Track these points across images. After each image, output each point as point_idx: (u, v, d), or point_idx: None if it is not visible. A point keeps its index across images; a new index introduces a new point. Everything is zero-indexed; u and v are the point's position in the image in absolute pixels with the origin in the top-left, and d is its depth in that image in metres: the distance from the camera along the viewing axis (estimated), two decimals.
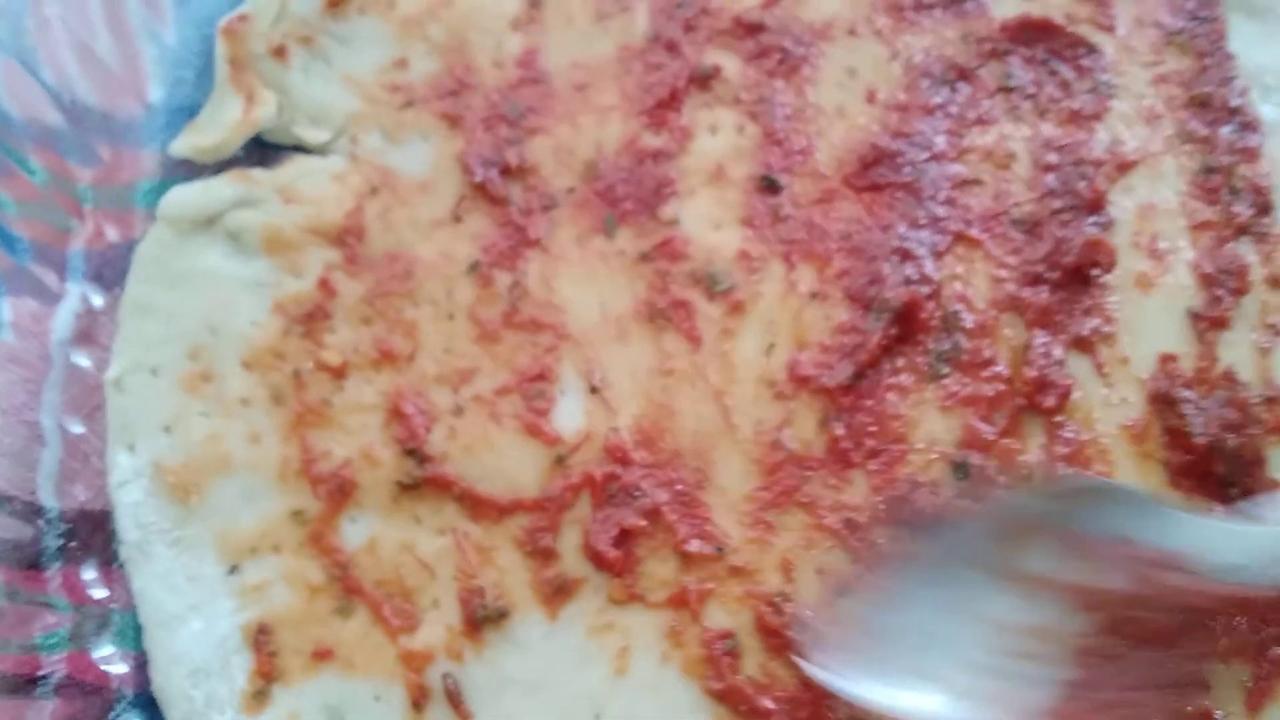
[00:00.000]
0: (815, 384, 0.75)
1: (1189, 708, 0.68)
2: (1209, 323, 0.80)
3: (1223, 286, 0.81)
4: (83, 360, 0.74)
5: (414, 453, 0.72)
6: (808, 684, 0.68)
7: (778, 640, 0.70)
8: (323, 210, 0.79)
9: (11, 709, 0.62)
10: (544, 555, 0.71)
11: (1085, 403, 0.76)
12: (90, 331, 0.75)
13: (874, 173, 0.83)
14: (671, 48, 0.88)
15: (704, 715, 0.68)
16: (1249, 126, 0.88)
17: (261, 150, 0.82)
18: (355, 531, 0.71)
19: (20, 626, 0.64)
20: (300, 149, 0.83)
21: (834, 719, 0.67)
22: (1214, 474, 0.73)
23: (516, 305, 0.77)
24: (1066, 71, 0.90)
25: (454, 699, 0.66)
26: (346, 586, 0.69)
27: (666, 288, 0.79)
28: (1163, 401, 0.76)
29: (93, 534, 0.70)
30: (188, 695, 0.65)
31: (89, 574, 0.69)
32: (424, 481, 0.72)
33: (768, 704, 0.68)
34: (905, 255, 0.80)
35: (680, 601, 0.70)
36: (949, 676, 0.64)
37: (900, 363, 0.77)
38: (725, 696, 0.69)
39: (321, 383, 0.75)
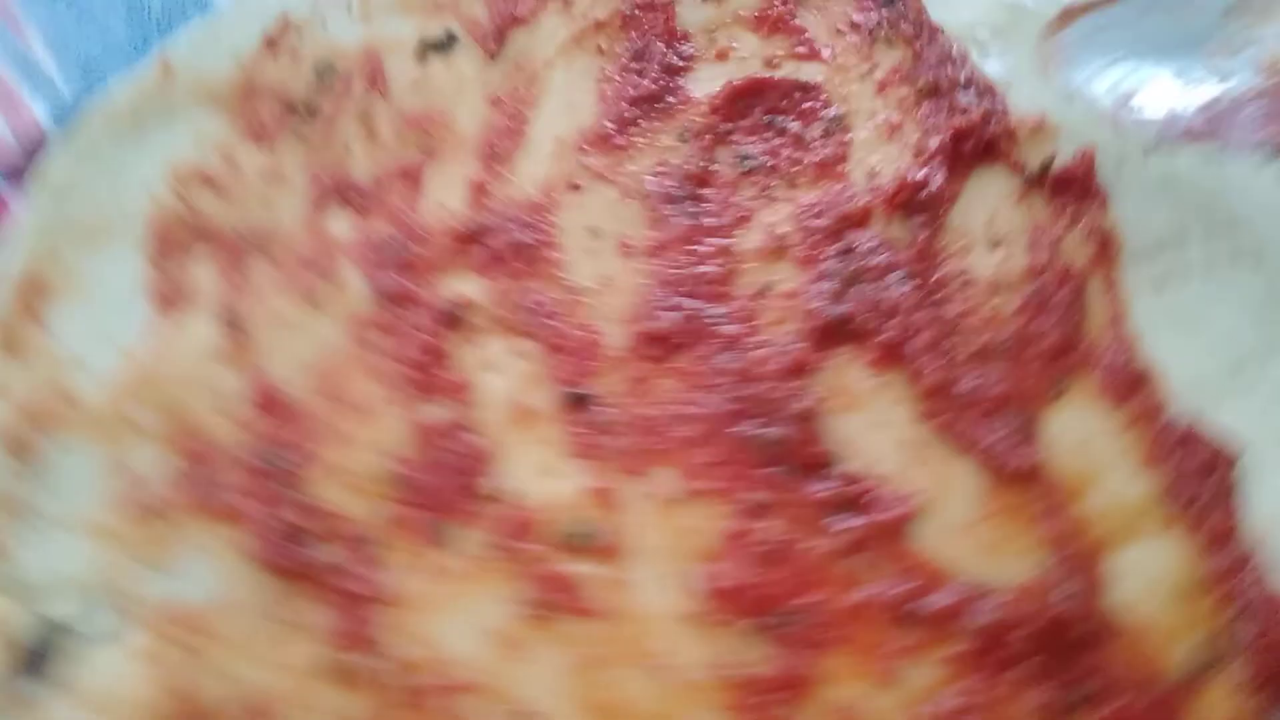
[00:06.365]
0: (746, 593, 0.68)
1: None
2: None
3: None
4: None
5: None
6: None
7: None
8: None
9: None
10: None
11: None
12: None
13: (667, 337, 0.76)
14: (400, 299, 0.77)
15: None
16: (986, 92, 0.85)
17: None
18: None
19: None
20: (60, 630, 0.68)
21: None
22: None
23: (405, 682, 0.66)
24: (793, 125, 0.85)
25: None
26: None
27: (530, 572, 0.69)
28: None
29: None
30: None
31: None
32: None
33: None
34: (741, 415, 0.73)
35: None
36: None
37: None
38: None
39: None
